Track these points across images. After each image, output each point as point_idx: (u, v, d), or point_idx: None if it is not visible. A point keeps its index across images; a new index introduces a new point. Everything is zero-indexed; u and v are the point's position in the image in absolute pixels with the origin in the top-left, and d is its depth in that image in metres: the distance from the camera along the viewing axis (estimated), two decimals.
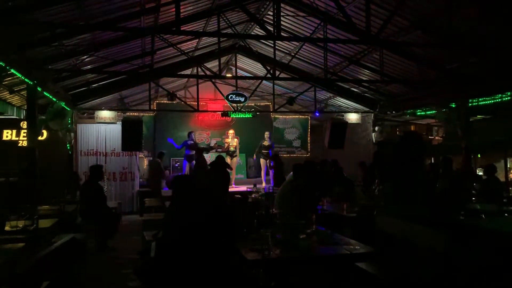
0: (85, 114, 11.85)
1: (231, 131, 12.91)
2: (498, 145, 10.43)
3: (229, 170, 10.29)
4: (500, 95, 8.74)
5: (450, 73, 8.78)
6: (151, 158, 13.13)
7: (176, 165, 13.44)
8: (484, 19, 6.59)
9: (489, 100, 9.01)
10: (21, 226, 4.98)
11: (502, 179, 10.18)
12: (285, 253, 3.51)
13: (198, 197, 3.91)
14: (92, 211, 7.20)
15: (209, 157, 12.21)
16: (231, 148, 12.41)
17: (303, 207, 5.03)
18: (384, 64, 9.04)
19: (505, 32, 6.91)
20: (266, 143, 12.62)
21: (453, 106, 9.33)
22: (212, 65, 11.29)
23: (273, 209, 5.26)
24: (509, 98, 8.59)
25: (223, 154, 12.03)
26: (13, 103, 9.31)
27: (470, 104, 9.16)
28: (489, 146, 10.58)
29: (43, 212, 6.44)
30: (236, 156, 12.47)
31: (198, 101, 11.34)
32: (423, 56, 8.59)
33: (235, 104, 11.92)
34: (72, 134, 10.90)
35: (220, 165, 7.77)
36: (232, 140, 12.55)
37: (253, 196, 7.39)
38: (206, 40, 10.53)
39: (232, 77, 11.41)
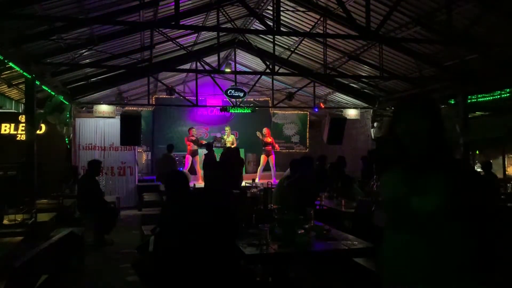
0: (84, 108, 11.83)
1: (227, 128, 13.05)
2: (497, 142, 10.45)
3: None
4: (499, 91, 8.73)
5: (449, 70, 8.78)
6: (163, 152, 12.86)
7: (176, 158, 13.44)
8: (484, 16, 6.58)
9: (488, 96, 9.01)
10: (19, 220, 5.00)
11: (500, 175, 10.21)
12: (283, 248, 3.52)
13: (192, 193, 3.91)
14: (90, 206, 7.21)
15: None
16: (228, 144, 12.58)
17: (301, 202, 5.04)
18: (384, 60, 9.03)
19: (505, 28, 6.90)
20: (267, 139, 12.65)
21: (452, 102, 9.33)
22: (211, 59, 11.26)
23: (271, 204, 5.27)
24: (508, 94, 8.59)
25: (220, 150, 12.22)
26: (12, 97, 9.28)
27: (469, 101, 9.15)
28: (487, 143, 10.60)
29: (42, 206, 6.47)
30: None
31: (197, 96, 11.33)
32: (423, 52, 8.58)
33: (234, 99, 11.92)
34: (71, 128, 10.87)
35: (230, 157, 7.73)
36: (228, 137, 12.75)
37: (251, 191, 7.39)
38: (205, 35, 10.50)
39: (231, 72, 11.40)
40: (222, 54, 11.85)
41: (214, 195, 3.80)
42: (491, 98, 8.91)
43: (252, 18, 9.98)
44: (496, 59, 7.75)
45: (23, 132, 10.75)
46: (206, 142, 12.08)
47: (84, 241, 6.12)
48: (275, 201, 5.64)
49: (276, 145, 13.14)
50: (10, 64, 6.72)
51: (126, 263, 5.75)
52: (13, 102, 9.38)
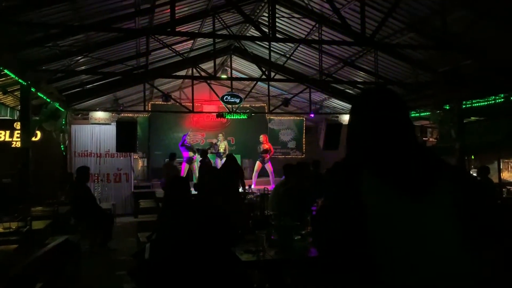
0: (80, 115, 11.80)
1: (220, 135, 13.07)
2: (492, 147, 10.50)
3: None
4: (493, 96, 8.79)
5: (444, 75, 8.84)
6: (166, 160, 12.70)
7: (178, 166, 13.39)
8: (478, 22, 6.64)
9: (482, 102, 9.07)
10: (14, 227, 4.95)
11: (496, 180, 10.24)
12: (280, 254, 3.51)
13: (192, 199, 3.89)
14: (83, 213, 7.16)
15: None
16: (221, 150, 12.61)
17: (298, 208, 5.03)
18: (379, 66, 9.08)
19: (499, 34, 6.96)
20: (265, 146, 12.63)
21: (447, 107, 9.38)
22: (207, 66, 11.29)
23: (268, 211, 5.26)
24: (502, 99, 8.65)
25: (213, 156, 12.35)
26: (7, 104, 9.25)
27: (464, 106, 9.21)
28: (482, 148, 10.65)
29: (37, 213, 6.40)
30: (224, 157, 12.55)
31: (193, 102, 11.33)
32: (418, 58, 8.64)
33: (230, 105, 11.93)
34: (66, 135, 10.83)
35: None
36: (221, 143, 12.76)
37: (248, 197, 7.40)
38: (201, 41, 10.53)
39: (227, 78, 11.41)
40: (218, 61, 11.88)
41: (211, 202, 3.80)
42: (486, 103, 8.97)
43: (248, 24, 10.03)
44: (490, 64, 7.81)
45: (18, 139, 10.71)
46: (200, 149, 12.05)
47: (80, 248, 6.08)
48: (272, 207, 5.63)
49: (272, 150, 13.07)
50: (6, 71, 6.71)
51: (122, 270, 5.71)
52: (8, 109, 9.35)
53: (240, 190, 9.33)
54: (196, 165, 12.33)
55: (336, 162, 1.55)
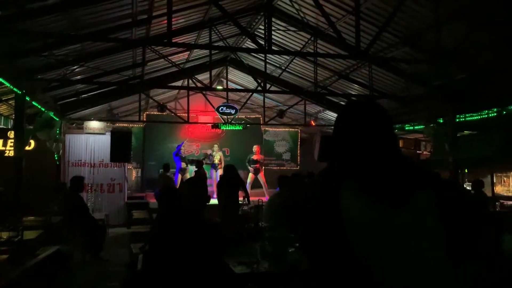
0: (74, 125, 11.76)
1: (215, 145, 13.08)
2: (485, 160, 10.57)
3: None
4: (486, 111, 8.88)
5: (438, 89, 8.92)
6: (161, 171, 12.59)
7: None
8: (472, 35, 6.72)
9: (476, 116, 9.15)
10: (5, 237, 4.91)
11: (489, 194, 10.30)
12: (274, 266, 3.49)
13: (184, 211, 3.87)
14: (76, 223, 7.10)
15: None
16: (216, 161, 12.62)
17: (292, 220, 5.02)
18: (373, 79, 9.15)
19: (492, 48, 7.05)
20: (255, 157, 12.65)
21: (441, 121, 9.45)
22: (203, 77, 11.32)
23: (262, 222, 5.24)
24: (495, 114, 8.73)
25: (208, 167, 12.39)
26: (1, 112, 9.21)
27: (457, 120, 9.29)
28: (476, 161, 10.72)
29: (29, 223, 6.35)
30: (220, 168, 12.56)
31: (188, 113, 11.35)
32: (412, 72, 8.72)
33: (225, 116, 11.96)
34: (61, 145, 10.78)
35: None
36: (216, 154, 12.78)
37: (242, 208, 7.37)
38: (197, 52, 10.58)
39: (223, 90, 11.45)
40: (214, 72, 11.91)
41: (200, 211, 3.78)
42: (479, 117, 9.05)
43: (244, 37, 10.10)
44: (483, 78, 7.89)
45: (12, 148, 10.63)
46: (195, 159, 12.03)
47: (72, 259, 6.00)
48: (266, 218, 5.61)
49: (262, 157, 13.09)
50: (0, 79, 6.70)
51: (114, 281, 5.65)
52: (2, 117, 9.32)
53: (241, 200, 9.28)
54: (190, 176, 12.29)
55: (320, 172, 1.56)
